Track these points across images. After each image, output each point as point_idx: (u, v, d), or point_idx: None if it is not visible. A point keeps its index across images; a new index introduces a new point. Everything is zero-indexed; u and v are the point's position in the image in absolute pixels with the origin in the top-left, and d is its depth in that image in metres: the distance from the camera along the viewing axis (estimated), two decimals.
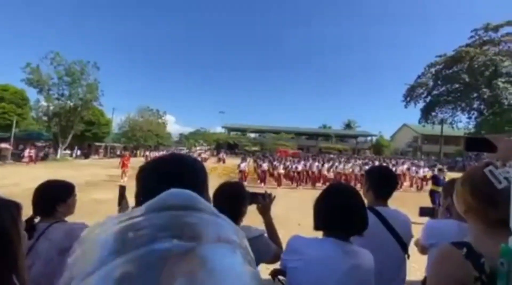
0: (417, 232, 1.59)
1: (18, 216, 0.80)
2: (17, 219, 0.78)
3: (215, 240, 0.41)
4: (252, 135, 53.27)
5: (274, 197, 1.53)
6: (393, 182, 1.54)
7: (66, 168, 18.09)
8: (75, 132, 27.34)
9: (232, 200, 1.27)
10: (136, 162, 24.26)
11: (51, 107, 26.13)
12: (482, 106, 35.36)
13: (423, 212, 1.86)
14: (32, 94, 27.77)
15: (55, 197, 1.41)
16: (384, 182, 1.52)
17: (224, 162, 27.65)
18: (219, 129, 55.93)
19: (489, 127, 32.44)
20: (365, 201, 1.55)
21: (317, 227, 1.05)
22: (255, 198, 1.46)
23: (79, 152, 29.75)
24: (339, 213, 0.98)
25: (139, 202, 0.55)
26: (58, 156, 25.43)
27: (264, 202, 1.45)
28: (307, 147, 51.11)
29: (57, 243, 1.26)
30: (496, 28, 34.00)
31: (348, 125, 65.54)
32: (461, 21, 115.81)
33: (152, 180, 0.56)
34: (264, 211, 1.44)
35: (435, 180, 7.91)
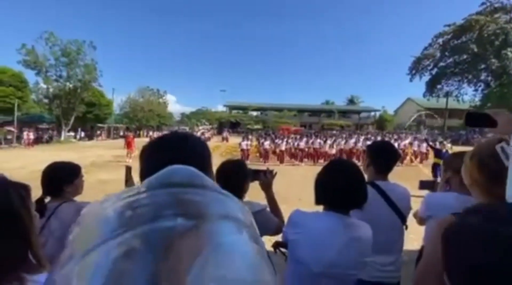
0: (417, 204, 1.63)
1: (28, 197, 0.83)
2: (26, 200, 0.81)
3: (220, 217, 0.40)
4: (254, 113, 52.90)
5: (276, 173, 1.56)
6: (393, 156, 1.56)
7: (70, 149, 18.36)
8: (77, 114, 27.34)
9: (234, 177, 1.30)
10: (140, 143, 24.71)
11: (51, 90, 25.95)
12: (489, 78, 34.40)
13: (423, 185, 1.90)
14: (30, 76, 27.50)
15: (62, 178, 1.45)
16: (384, 157, 1.54)
17: (227, 140, 27.79)
18: (220, 108, 55.54)
19: (495, 99, 31.80)
20: (366, 176, 1.58)
21: (318, 202, 1.08)
22: (257, 174, 1.49)
23: (82, 134, 29.99)
24: (339, 188, 1.00)
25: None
26: (62, 138, 25.69)
27: (266, 179, 1.48)
28: (309, 123, 50.87)
29: (67, 221, 1.31)
30: None
31: (351, 101, 64.60)
32: None
33: (156, 158, 0.56)
34: (266, 187, 1.48)
35: (437, 153, 7.95)
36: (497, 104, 30.98)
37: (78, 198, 1.55)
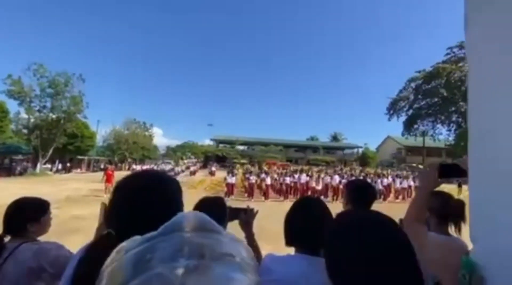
0: None
1: None
2: None
3: (227, 256, 0.42)
4: (241, 147, 53.18)
5: (257, 211, 1.53)
6: (371, 193, 1.58)
7: (45, 182, 17.32)
8: (57, 145, 26.36)
9: (212, 215, 1.26)
10: (120, 176, 23.82)
11: (32, 120, 25.24)
12: (460, 119, 37.11)
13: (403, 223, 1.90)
14: (12, 106, 26.88)
15: (27, 216, 1.35)
16: (361, 195, 1.56)
17: (213, 174, 27.34)
18: (207, 142, 55.62)
19: (467, 139, 33.84)
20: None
21: (287, 243, 1.05)
22: (236, 213, 1.45)
23: (60, 166, 28.63)
24: (306, 227, 0.99)
25: (109, 222, 0.55)
26: (38, 170, 24.31)
27: (245, 217, 1.45)
28: (295, 159, 51.43)
29: (24, 263, 1.20)
30: None
31: (334, 138, 66.89)
32: (439, 38, 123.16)
33: (128, 200, 0.57)
34: (246, 226, 1.44)
35: None
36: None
37: (50, 236, 1.43)
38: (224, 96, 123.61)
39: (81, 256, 0.51)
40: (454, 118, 38.02)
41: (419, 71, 40.26)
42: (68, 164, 30.44)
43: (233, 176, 13.29)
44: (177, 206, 0.61)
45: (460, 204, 1.48)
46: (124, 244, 0.44)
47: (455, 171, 0.89)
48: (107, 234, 0.51)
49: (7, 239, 1.30)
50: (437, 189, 1.00)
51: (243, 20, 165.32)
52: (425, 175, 0.94)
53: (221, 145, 52.64)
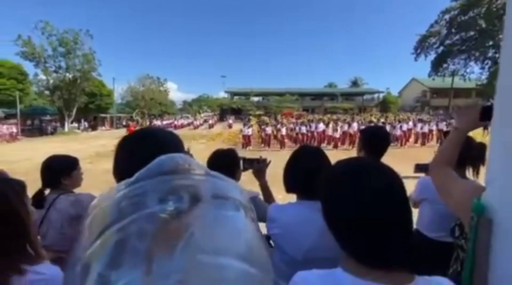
0: (413, 186, 1.65)
1: (23, 193, 0.87)
2: (23, 197, 0.85)
3: (216, 197, 0.43)
4: (256, 99, 52.46)
5: (270, 161, 1.57)
6: (384, 140, 1.56)
7: (75, 140, 18.56)
8: (79, 105, 27.38)
9: (225, 166, 1.32)
10: None
11: (51, 81, 25.86)
12: (497, 55, 33.31)
13: (418, 168, 1.90)
14: (29, 68, 27.34)
15: (59, 171, 1.49)
16: (374, 141, 1.54)
17: (231, 127, 27.84)
18: (222, 95, 55.15)
19: None
20: None
21: (288, 190, 1.09)
22: (250, 163, 1.50)
23: (86, 124, 30.19)
24: (305, 174, 1.01)
25: (117, 176, 0.58)
26: (66, 129, 25.92)
27: (259, 166, 1.50)
28: (312, 107, 50.36)
29: (65, 212, 1.37)
30: None
31: (355, 83, 63.51)
32: None
33: (131, 157, 0.58)
34: (259, 175, 1.50)
35: (446, 135, 7.81)
36: None
37: (84, 189, 1.59)
38: (237, 47, 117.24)
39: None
40: (490, 54, 34.20)
41: (456, 0, 35.04)
42: (92, 122, 31.98)
43: (248, 127, 13.44)
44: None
45: (482, 147, 1.43)
46: (113, 186, 0.45)
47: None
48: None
49: (47, 192, 1.47)
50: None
51: None
52: (464, 114, 0.87)
53: (235, 97, 52.10)
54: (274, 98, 48.96)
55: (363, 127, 13.40)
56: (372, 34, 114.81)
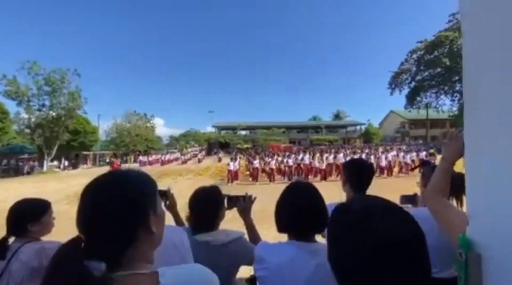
0: None
1: None
2: None
3: None
4: (243, 132, 53.16)
5: (255, 198, 1.53)
6: (368, 173, 1.55)
7: (54, 180, 17.62)
8: (61, 142, 26.57)
9: (208, 205, 1.27)
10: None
11: (33, 119, 25.30)
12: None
13: (405, 199, 1.89)
14: (11, 106, 26.88)
15: (27, 216, 1.36)
16: (358, 174, 1.53)
17: (220, 160, 27.64)
18: (209, 129, 55.62)
19: None
20: (344, 194, 1.57)
21: (280, 230, 1.04)
22: (235, 201, 1.45)
23: (66, 163, 29.03)
24: (297, 214, 0.97)
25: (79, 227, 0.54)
26: (45, 169, 24.72)
27: (244, 204, 1.45)
28: (298, 140, 51.42)
29: (27, 263, 1.23)
30: None
31: (337, 116, 66.29)
32: (439, 9, 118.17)
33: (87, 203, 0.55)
34: (244, 214, 1.44)
35: (423, 164, 8.00)
36: None
37: (54, 234, 1.44)
38: (224, 83, 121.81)
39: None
40: (458, 88, 37.23)
41: (421, 42, 39.02)
42: (74, 160, 30.85)
43: (235, 161, 13.37)
44: (137, 206, 0.56)
45: (462, 177, 1.46)
46: None
47: None
48: (74, 238, 0.49)
49: (11, 240, 1.32)
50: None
51: (239, 9, 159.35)
52: (449, 145, 0.92)
53: (223, 131, 52.64)
54: (261, 131, 49.84)
55: (348, 158, 13.74)
56: (350, 70, 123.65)
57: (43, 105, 25.40)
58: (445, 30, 36.87)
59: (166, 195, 1.53)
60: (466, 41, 0.66)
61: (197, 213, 1.29)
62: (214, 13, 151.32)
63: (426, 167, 1.75)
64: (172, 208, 1.54)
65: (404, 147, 22.06)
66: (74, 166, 29.57)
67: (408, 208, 1.74)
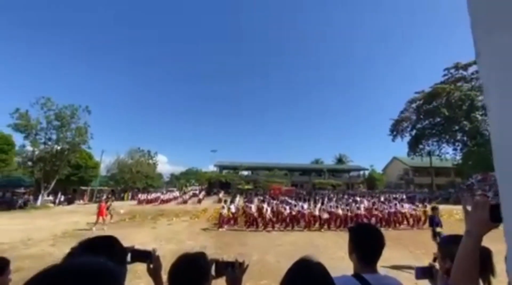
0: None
1: None
2: None
3: None
4: (245, 173, 52.70)
5: (247, 266, 1.32)
6: (379, 243, 1.36)
7: (45, 216, 16.98)
8: (60, 176, 26.36)
9: (191, 276, 1.09)
10: (122, 207, 22.80)
11: (36, 152, 25.51)
12: (465, 138, 36.73)
13: (420, 273, 1.64)
14: (18, 138, 27.41)
15: None
16: (369, 244, 1.34)
17: (220, 201, 26.81)
18: (211, 168, 55.39)
19: (476, 158, 33.34)
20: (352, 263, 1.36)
21: None
22: (223, 268, 1.25)
23: (62, 198, 28.37)
24: None
25: None
26: (39, 203, 24.04)
27: (233, 273, 1.24)
28: (300, 183, 50.57)
29: None
30: (465, 67, 37.13)
31: (340, 160, 66.12)
32: (436, 60, 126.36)
33: None
34: (234, 284, 1.22)
35: (430, 220, 7.50)
36: (478, 163, 32.36)
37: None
38: (227, 123, 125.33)
39: None
40: (458, 137, 37.63)
41: (418, 92, 40.76)
42: (70, 195, 30.21)
43: (232, 203, 12.85)
44: None
45: (486, 253, 1.24)
46: None
47: None
48: None
49: None
50: None
51: (242, 46, 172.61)
52: (474, 216, 0.76)
53: (225, 171, 52.26)
54: (264, 172, 49.38)
55: (359, 206, 13.06)
56: (353, 115, 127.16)
57: (50, 139, 25.87)
58: (441, 83, 38.78)
59: (149, 257, 1.33)
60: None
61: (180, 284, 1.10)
62: (219, 55, 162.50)
63: (445, 239, 1.54)
64: (156, 271, 1.32)
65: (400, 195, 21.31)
66: (70, 202, 28.82)
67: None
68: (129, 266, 1.14)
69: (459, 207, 20.96)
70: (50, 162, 25.63)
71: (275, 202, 14.14)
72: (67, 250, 0.96)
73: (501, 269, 1.34)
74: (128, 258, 1.19)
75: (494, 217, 0.72)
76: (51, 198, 26.76)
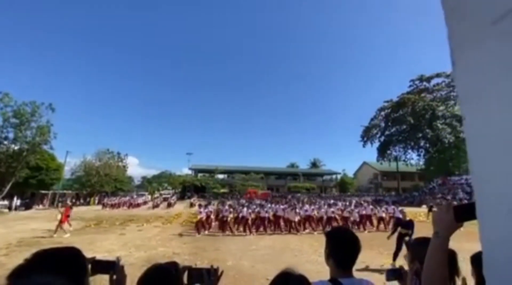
0: None
1: None
2: None
3: None
4: (221, 176, 52.09)
5: (222, 272, 1.27)
6: (356, 248, 1.38)
7: None
8: (16, 179, 24.09)
9: None
10: (87, 212, 21.38)
11: None
12: (427, 145, 39.70)
13: (390, 274, 1.69)
14: None
15: None
16: (345, 249, 1.35)
17: (194, 205, 26.10)
18: (186, 171, 53.99)
19: (436, 163, 36.21)
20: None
21: None
22: (197, 276, 1.19)
23: (19, 202, 25.91)
24: None
25: None
26: None
27: (209, 281, 1.19)
28: (276, 186, 51.16)
29: None
30: (428, 79, 40.31)
31: (314, 164, 68.00)
32: (404, 70, 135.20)
33: None
34: None
35: (397, 222, 8.00)
36: (438, 168, 35.14)
37: None
38: (203, 125, 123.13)
39: None
40: (422, 144, 40.54)
41: (387, 101, 43.39)
42: (28, 200, 27.70)
43: (205, 208, 12.57)
44: None
45: (450, 253, 1.31)
46: None
47: (472, 212, 0.73)
48: None
49: None
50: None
51: (217, 47, 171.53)
52: (440, 219, 0.79)
53: (200, 174, 51.23)
54: (240, 176, 49.19)
55: (332, 209, 13.37)
56: (327, 120, 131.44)
57: (6, 138, 23.63)
58: (407, 93, 41.66)
59: (113, 268, 1.21)
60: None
61: None
62: (197, 53, 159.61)
63: (414, 242, 1.61)
64: (120, 283, 1.22)
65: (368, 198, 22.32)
66: (27, 206, 26.40)
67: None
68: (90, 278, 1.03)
69: (423, 209, 22.53)
70: (5, 163, 23.34)
71: (254, 206, 14.07)
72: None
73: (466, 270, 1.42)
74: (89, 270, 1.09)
75: (459, 217, 0.76)
76: (5, 202, 24.32)
